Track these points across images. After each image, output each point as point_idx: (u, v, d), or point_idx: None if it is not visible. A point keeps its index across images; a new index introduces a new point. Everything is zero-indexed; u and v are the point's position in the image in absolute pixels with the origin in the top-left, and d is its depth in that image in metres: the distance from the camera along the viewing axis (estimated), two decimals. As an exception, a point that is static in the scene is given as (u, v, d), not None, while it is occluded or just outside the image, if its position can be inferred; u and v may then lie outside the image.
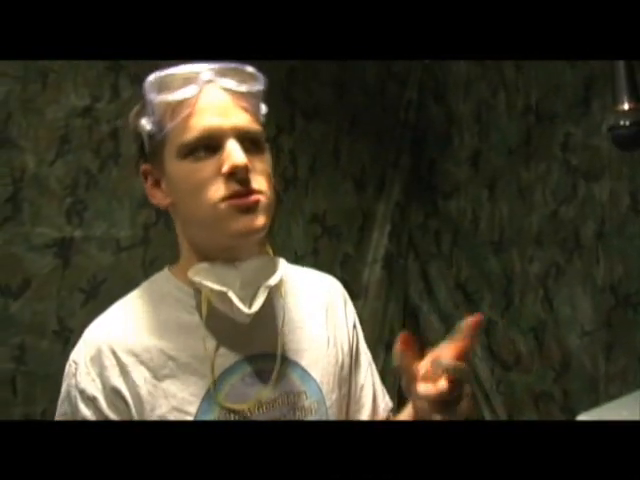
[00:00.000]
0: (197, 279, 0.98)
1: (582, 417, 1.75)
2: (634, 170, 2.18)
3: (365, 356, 1.22)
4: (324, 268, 2.87)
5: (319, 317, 1.14)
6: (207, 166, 0.96)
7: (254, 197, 0.97)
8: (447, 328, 2.93)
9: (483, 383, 2.75)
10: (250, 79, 1.01)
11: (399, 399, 3.39)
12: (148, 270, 2.29)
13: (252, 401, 1.00)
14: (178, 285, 1.04)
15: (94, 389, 0.95)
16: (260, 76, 1.02)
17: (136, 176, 2.25)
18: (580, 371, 2.34)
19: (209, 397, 0.97)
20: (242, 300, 0.98)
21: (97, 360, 0.97)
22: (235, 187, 0.95)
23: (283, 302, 1.07)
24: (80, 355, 0.99)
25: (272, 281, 1.01)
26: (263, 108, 1.06)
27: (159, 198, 1.05)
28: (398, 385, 3.07)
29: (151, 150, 1.03)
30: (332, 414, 1.09)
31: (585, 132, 2.35)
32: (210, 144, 0.96)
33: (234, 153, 0.95)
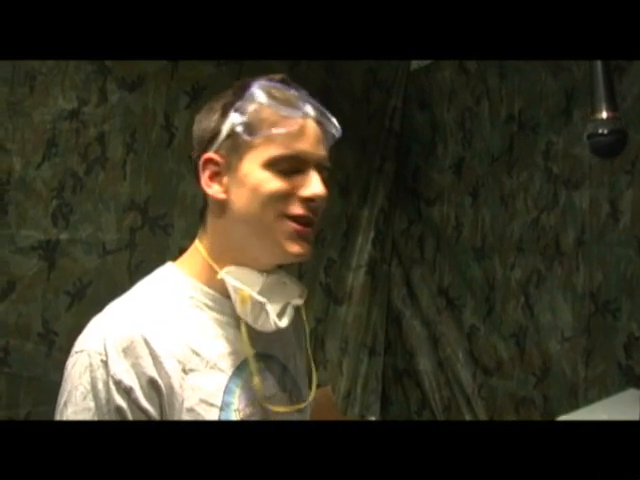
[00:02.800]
0: (235, 283, 1.03)
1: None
2: (614, 178, 2.21)
3: None
4: (309, 273, 2.91)
5: (295, 328, 1.22)
6: (287, 183, 1.02)
7: (310, 229, 1.05)
8: (429, 333, 2.96)
9: (465, 388, 2.78)
10: (335, 128, 1.10)
11: (382, 402, 3.39)
12: (134, 274, 2.30)
13: (260, 396, 1.06)
14: (190, 282, 1.07)
15: (130, 380, 0.94)
16: (340, 130, 1.11)
17: (122, 180, 2.29)
18: (560, 376, 2.37)
19: (229, 391, 1.02)
20: (275, 309, 1.06)
21: (131, 351, 0.95)
22: (305, 211, 1.03)
23: (303, 317, 1.15)
24: (109, 346, 0.95)
25: (299, 302, 1.11)
26: None
27: (215, 190, 1.06)
28: (382, 388, 3.10)
29: (229, 145, 1.05)
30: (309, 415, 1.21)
31: (566, 141, 2.39)
32: (296, 166, 1.03)
33: (318, 182, 1.03)
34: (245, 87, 1.05)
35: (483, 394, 2.70)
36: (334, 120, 1.10)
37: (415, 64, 3.13)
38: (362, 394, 3.07)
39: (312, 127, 1.05)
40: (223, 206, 1.06)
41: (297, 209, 1.03)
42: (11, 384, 2.10)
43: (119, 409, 0.93)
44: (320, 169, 1.06)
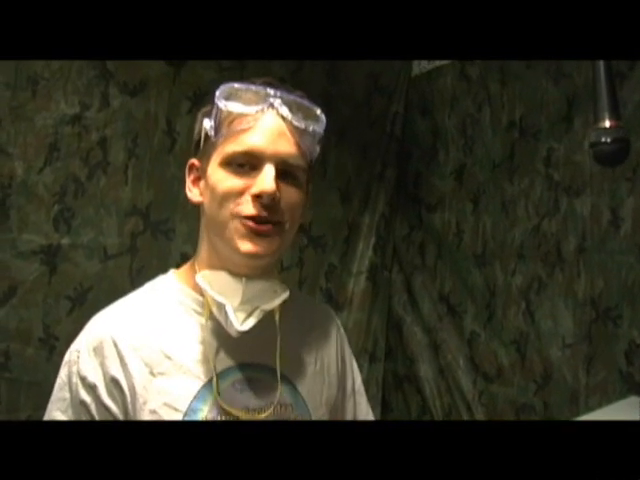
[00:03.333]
0: (203, 284, 1.04)
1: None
2: (615, 186, 2.21)
3: (359, 379, 1.31)
4: (309, 279, 2.91)
5: (310, 340, 1.20)
6: (241, 181, 1.02)
7: (267, 226, 1.02)
8: (430, 340, 2.96)
9: (465, 394, 2.77)
10: (312, 118, 1.07)
11: (382, 408, 3.38)
12: (135, 279, 2.30)
13: (241, 407, 1.04)
14: (181, 287, 1.09)
15: (95, 377, 1.00)
16: (322, 119, 1.08)
17: (124, 185, 2.29)
18: (561, 383, 2.37)
19: (200, 397, 1.02)
20: (238, 315, 1.02)
21: (99, 350, 1.01)
22: (256, 210, 1.00)
23: (279, 323, 1.10)
24: (83, 345, 1.03)
25: (268, 306, 1.06)
26: (317, 149, 1.11)
27: (194, 194, 1.10)
28: (382, 394, 3.09)
29: (203, 150, 1.09)
30: None
31: (567, 148, 2.39)
32: (251, 162, 1.02)
33: (266, 178, 1.00)
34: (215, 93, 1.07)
35: (484, 401, 2.70)
36: (315, 110, 1.08)
37: (416, 70, 3.13)
38: (362, 400, 3.06)
39: (272, 122, 1.04)
40: (202, 210, 1.09)
41: (249, 209, 1.01)
42: (12, 389, 2.11)
43: (83, 403, 1.00)
44: (283, 165, 1.03)
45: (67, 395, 1.02)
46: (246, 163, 1.02)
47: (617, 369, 2.18)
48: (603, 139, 1.04)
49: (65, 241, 2.20)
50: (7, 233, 2.09)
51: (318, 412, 1.15)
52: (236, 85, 1.05)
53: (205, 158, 1.08)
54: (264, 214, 1.01)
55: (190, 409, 1.01)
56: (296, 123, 1.05)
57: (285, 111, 1.04)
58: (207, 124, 1.06)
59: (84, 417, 1.01)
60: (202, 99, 2.48)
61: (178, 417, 1.00)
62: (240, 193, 1.01)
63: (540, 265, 2.46)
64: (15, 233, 2.11)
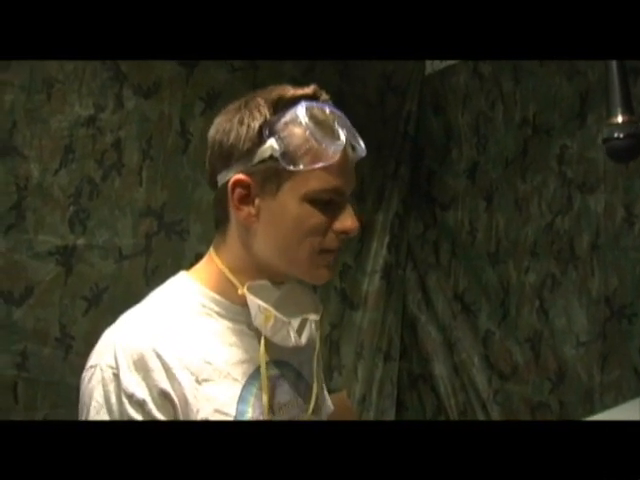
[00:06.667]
0: (256, 300, 1.03)
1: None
2: (629, 183, 2.20)
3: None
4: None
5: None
6: (326, 217, 1.02)
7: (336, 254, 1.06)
8: (445, 338, 2.95)
9: (480, 393, 2.77)
10: (362, 149, 1.08)
11: (398, 407, 3.36)
12: (150, 279, 2.32)
13: (275, 402, 1.06)
14: (200, 289, 1.06)
15: (142, 393, 0.94)
16: (364, 149, 1.09)
17: (138, 186, 2.31)
18: (575, 381, 2.36)
19: (242, 399, 1.02)
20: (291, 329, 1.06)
21: (141, 364, 0.95)
22: (338, 244, 1.04)
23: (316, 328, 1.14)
24: (120, 359, 0.96)
25: (316, 317, 1.10)
26: None
27: (245, 213, 1.03)
28: (397, 393, 3.09)
29: (264, 170, 1.01)
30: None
31: (581, 145, 2.38)
32: (333, 198, 1.02)
33: (352, 216, 1.04)
34: (282, 105, 1.02)
35: (499, 399, 2.69)
36: (361, 140, 1.07)
37: (429, 68, 3.13)
38: (377, 399, 3.07)
39: (349, 157, 1.04)
40: (250, 227, 1.04)
41: (332, 242, 1.04)
42: (29, 388, 2.13)
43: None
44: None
45: (106, 418, 0.95)
46: (330, 200, 1.02)
47: (632, 367, 2.17)
48: (616, 134, 1.03)
49: (80, 242, 2.22)
50: (23, 234, 2.11)
51: (325, 400, 1.21)
52: (314, 106, 1.02)
53: (271, 182, 1.01)
54: (341, 245, 1.06)
55: (238, 412, 1.01)
56: (358, 153, 1.07)
57: (352, 140, 1.05)
58: (277, 146, 0.99)
59: None
60: (216, 100, 2.49)
61: None
62: (326, 229, 1.03)
63: (554, 263, 2.45)
64: (31, 234, 2.13)
